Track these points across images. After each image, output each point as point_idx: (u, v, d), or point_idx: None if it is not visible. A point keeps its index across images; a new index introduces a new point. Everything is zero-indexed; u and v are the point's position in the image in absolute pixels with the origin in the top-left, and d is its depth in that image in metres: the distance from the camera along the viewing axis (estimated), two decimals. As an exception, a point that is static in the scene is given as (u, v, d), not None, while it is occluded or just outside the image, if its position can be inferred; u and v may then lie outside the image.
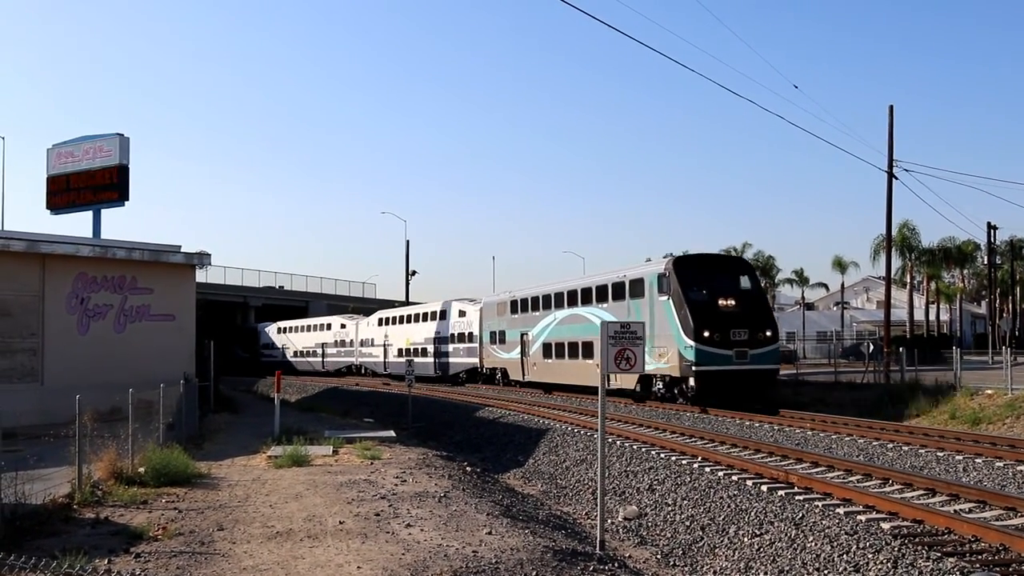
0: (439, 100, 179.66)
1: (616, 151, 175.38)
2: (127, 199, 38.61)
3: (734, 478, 16.75)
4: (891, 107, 37.15)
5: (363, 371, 69.74)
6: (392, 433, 24.74)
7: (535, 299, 44.36)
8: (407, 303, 75.36)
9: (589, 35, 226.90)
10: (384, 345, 65.53)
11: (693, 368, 29.82)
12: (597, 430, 13.09)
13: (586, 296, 38.59)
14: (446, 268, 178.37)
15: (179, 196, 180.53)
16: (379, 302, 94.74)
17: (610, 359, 12.09)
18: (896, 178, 36.92)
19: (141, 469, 15.42)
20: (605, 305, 36.34)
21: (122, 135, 38.69)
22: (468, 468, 20.32)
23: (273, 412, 23.98)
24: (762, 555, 12.60)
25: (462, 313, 55.26)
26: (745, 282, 32.42)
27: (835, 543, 11.99)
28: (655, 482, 17.69)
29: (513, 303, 47.02)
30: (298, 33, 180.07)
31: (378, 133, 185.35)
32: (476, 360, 52.94)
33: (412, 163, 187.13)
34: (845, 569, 11.23)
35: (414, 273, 78.78)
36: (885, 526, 12.46)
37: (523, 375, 45.79)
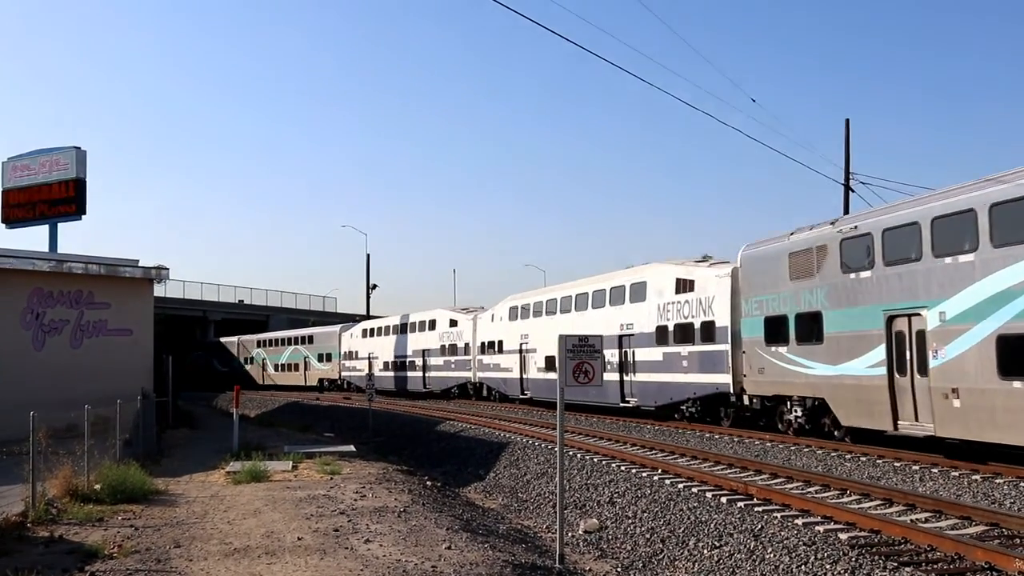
0: (398, 113, 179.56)
1: (576, 164, 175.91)
2: (84, 213, 38.41)
3: (694, 490, 16.82)
4: (847, 121, 37.68)
5: (487, 392, 48.59)
6: (352, 448, 24.64)
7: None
8: (368, 316, 74.86)
9: (548, 49, 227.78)
10: (521, 351, 42.52)
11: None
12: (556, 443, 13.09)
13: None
14: (407, 282, 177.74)
15: (137, 210, 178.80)
16: (340, 316, 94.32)
17: (568, 373, 12.12)
18: (853, 191, 37.33)
19: (97, 486, 15.25)
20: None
21: (79, 148, 38.46)
22: (429, 482, 20.26)
23: (232, 427, 23.80)
24: (722, 567, 12.65)
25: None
26: None
27: (794, 554, 12.06)
28: (615, 495, 17.72)
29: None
30: (257, 47, 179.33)
31: (339, 146, 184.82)
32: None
33: (372, 176, 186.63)
34: (803, 580, 11.29)
35: (375, 287, 78.43)
36: (843, 536, 12.56)
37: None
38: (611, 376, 32.67)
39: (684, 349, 29.41)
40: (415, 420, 37.27)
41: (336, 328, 71.88)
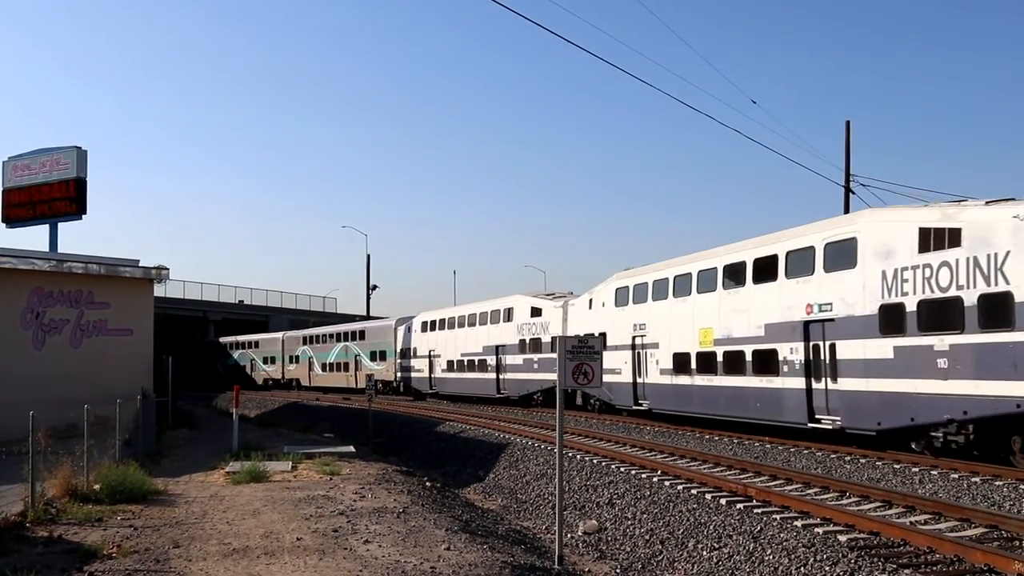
0: (398, 113, 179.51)
1: (577, 164, 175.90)
2: (84, 212, 38.38)
3: (693, 492, 16.82)
4: (848, 123, 37.57)
5: (583, 400, 38.57)
6: (352, 448, 24.63)
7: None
8: (368, 317, 74.52)
9: (545, 48, 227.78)
10: (634, 346, 32.50)
11: None
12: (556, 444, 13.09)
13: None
14: (407, 282, 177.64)
15: (138, 210, 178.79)
16: (340, 316, 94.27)
17: (567, 374, 12.11)
18: (853, 192, 37.32)
19: (96, 486, 15.24)
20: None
21: (80, 148, 38.43)
22: (428, 483, 20.26)
23: (232, 427, 23.81)
24: (721, 568, 12.66)
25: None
26: None
27: (793, 556, 12.07)
28: (615, 496, 17.73)
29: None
30: (258, 45, 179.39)
31: (340, 146, 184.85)
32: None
33: (373, 177, 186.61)
34: (802, 582, 11.30)
35: (375, 287, 78.16)
36: (842, 538, 12.57)
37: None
38: (792, 382, 23.67)
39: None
40: (415, 421, 37.28)
41: (391, 322, 62.37)
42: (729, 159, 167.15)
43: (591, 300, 36.43)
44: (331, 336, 70.27)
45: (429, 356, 53.65)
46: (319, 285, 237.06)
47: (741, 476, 18.68)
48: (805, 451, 22.20)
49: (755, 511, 14.77)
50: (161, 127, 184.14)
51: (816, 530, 13.13)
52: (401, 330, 58.83)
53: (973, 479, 17.11)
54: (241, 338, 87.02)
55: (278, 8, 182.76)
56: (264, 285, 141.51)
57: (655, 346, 30.86)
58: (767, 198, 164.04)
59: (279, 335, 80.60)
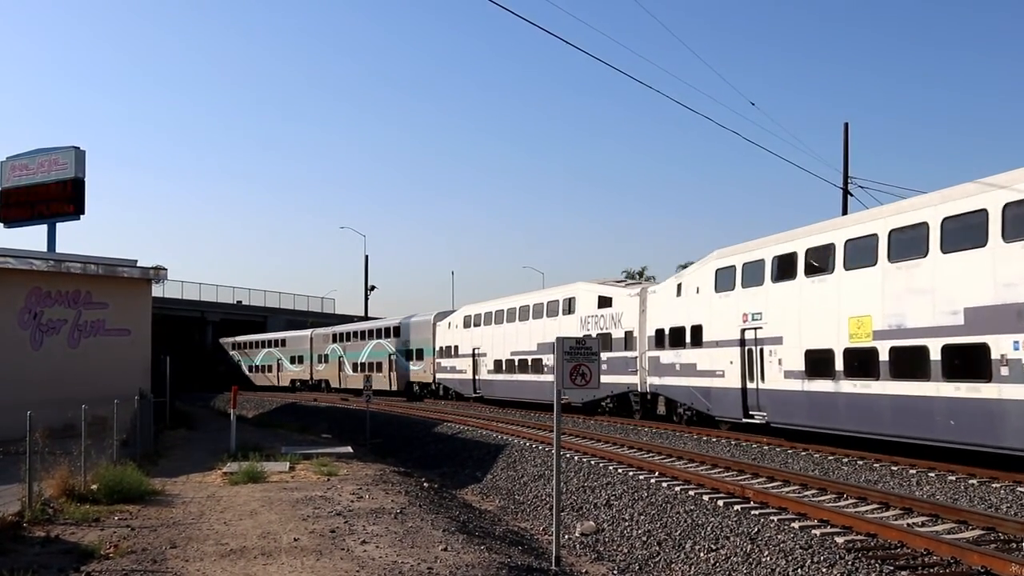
0: (397, 112, 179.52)
1: (575, 164, 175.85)
2: (83, 213, 38.36)
3: (691, 493, 16.82)
4: (846, 125, 37.58)
5: (666, 409, 32.80)
6: (349, 449, 24.64)
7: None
8: (366, 317, 74.27)
9: (544, 49, 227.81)
10: (743, 341, 26.20)
11: None
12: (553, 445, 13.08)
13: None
14: (405, 283, 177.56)
15: (136, 210, 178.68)
16: (338, 317, 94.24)
17: (565, 375, 12.09)
18: (851, 195, 37.31)
19: (94, 486, 15.25)
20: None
21: (78, 148, 38.43)
22: (425, 484, 20.25)
23: (229, 428, 23.81)
24: (718, 570, 12.66)
25: None
26: None
27: (790, 557, 12.07)
28: (612, 497, 17.72)
29: None
30: (256, 45, 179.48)
31: (338, 147, 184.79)
32: None
33: (372, 177, 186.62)
34: (799, 583, 11.31)
35: (373, 288, 77.95)
36: (839, 540, 12.57)
37: None
38: (1017, 392, 17.10)
39: None
40: (413, 422, 37.25)
41: (429, 316, 55.30)
42: (728, 160, 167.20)
43: (680, 285, 30.16)
44: (363, 333, 64.57)
45: (473, 355, 47.66)
46: (317, 286, 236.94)
47: (738, 477, 18.69)
48: (803, 453, 22.23)
49: (752, 513, 14.78)
50: (159, 127, 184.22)
51: (813, 532, 13.14)
52: (441, 325, 52.53)
53: (970, 481, 17.13)
54: (265, 336, 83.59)
55: (276, 9, 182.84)
56: (262, 286, 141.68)
57: (776, 341, 24.38)
58: (766, 199, 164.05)
59: (307, 332, 75.90)
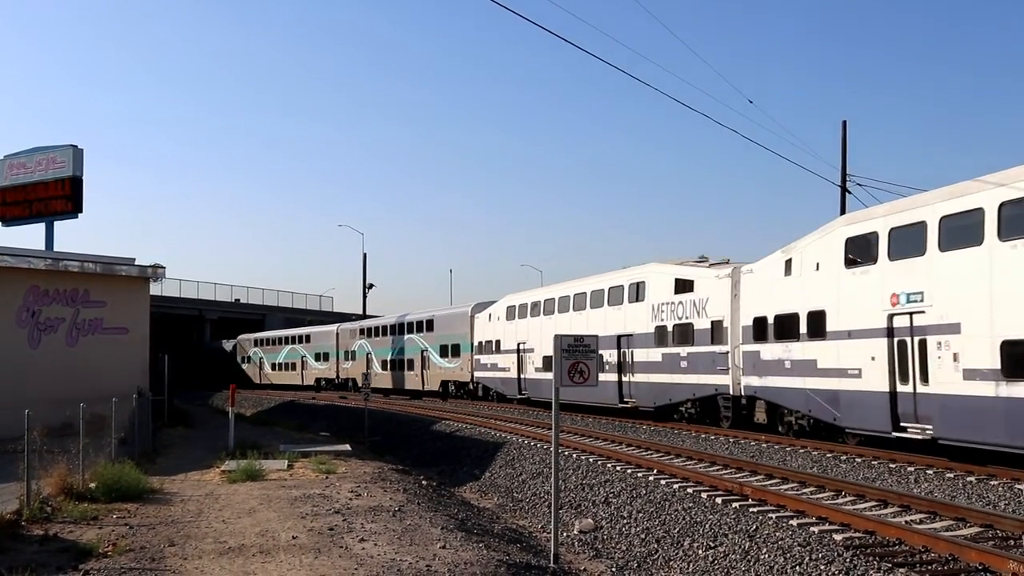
0: (397, 112, 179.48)
1: (575, 164, 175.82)
2: (80, 211, 38.40)
3: (689, 491, 16.83)
4: (844, 123, 37.57)
5: (766, 417, 27.23)
6: (348, 447, 24.63)
7: None
8: (364, 316, 74.03)
9: (541, 45, 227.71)
10: (890, 331, 20.57)
11: None
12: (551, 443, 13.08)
13: None
14: (403, 281, 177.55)
15: (134, 208, 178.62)
16: (337, 315, 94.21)
17: (564, 373, 12.09)
18: (850, 192, 37.32)
19: (92, 484, 15.24)
20: None
21: (76, 147, 38.48)
22: (424, 482, 20.27)
23: (228, 426, 23.81)
24: (716, 567, 12.67)
25: None
26: None
27: (788, 555, 12.08)
28: (611, 495, 17.73)
29: None
30: (253, 43, 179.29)
31: (336, 145, 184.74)
32: None
33: (370, 176, 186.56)
34: (797, 580, 11.31)
35: (371, 286, 77.73)
36: (838, 537, 12.59)
37: None
38: None
39: None
40: (411, 419, 37.24)
41: (466, 308, 50.33)
42: (727, 157, 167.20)
43: (790, 262, 24.25)
44: (393, 328, 59.05)
45: (518, 351, 41.94)
46: (315, 284, 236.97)
47: (737, 475, 18.70)
48: (801, 450, 22.23)
49: (751, 510, 14.80)
50: (156, 125, 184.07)
51: (812, 529, 13.15)
52: (480, 318, 47.09)
53: (968, 478, 17.14)
54: (288, 332, 78.90)
55: (273, 4, 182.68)
56: (260, 284, 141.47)
57: (948, 329, 18.66)
58: (765, 194, 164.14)
59: (333, 327, 70.57)
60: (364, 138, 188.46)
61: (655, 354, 31.15)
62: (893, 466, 19.12)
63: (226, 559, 10.75)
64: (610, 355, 33.55)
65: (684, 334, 29.48)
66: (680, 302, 29.99)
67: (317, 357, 71.41)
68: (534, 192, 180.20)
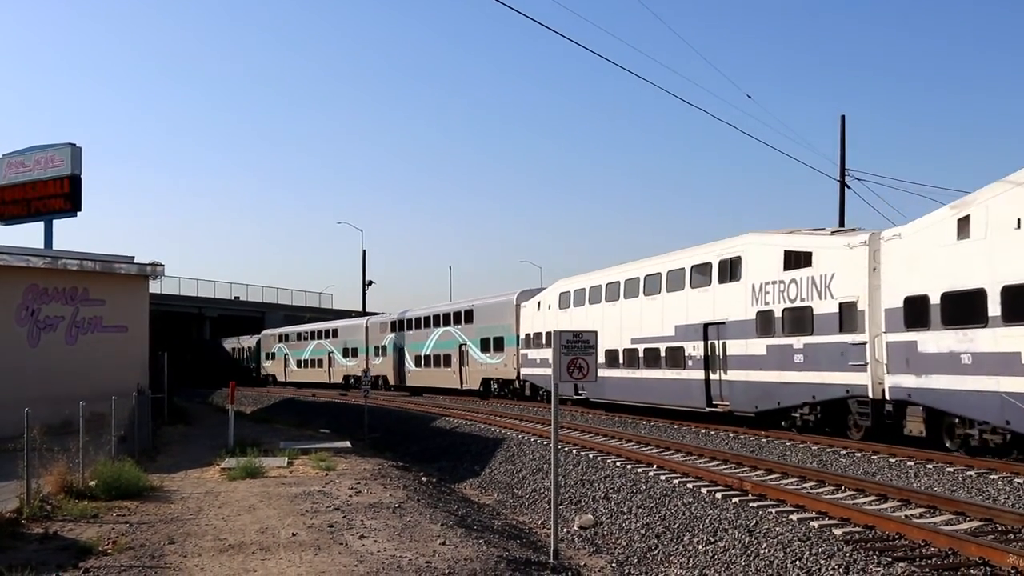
0: (395, 111, 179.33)
1: (570, 161, 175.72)
2: (79, 209, 38.36)
3: (689, 486, 16.84)
4: (843, 117, 37.57)
5: (952, 432, 19.57)
6: (348, 444, 24.62)
7: None
8: (364, 313, 73.71)
9: (539, 40, 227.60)
10: None
11: None
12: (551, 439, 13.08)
13: None
14: (402, 279, 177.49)
15: (132, 206, 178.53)
16: (336, 312, 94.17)
17: (562, 369, 12.09)
18: (848, 187, 37.33)
19: (92, 483, 15.24)
20: None
21: (74, 145, 38.40)
22: (424, 478, 20.27)
23: (228, 423, 23.82)
24: (716, 562, 12.67)
25: None
26: None
27: (788, 549, 12.09)
28: (611, 491, 17.74)
29: None
30: (252, 42, 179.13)
31: (335, 143, 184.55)
32: None
33: (369, 172, 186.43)
34: (798, 575, 11.32)
35: (370, 283, 77.46)
36: (837, 532, 12.59)
37: None
38: None
39: None
40: (411, 416, 37.26)
41: (511, 296, 44.66)
42: (725, 152, 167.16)
43: (966, 220, 18.22)
44: (427, 320, 53.72)
45: None
46: (315, 281, 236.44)
47: (737, 470, 18.70)
48: (800, 445, 22.24)
49: (751, 505, 14.80)
50: (155, 122, 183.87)
51: (811, 524, 13.15)
52: (528, 307, 41.53)
53: (968, 473, 17.15)
54: (312, 327, 73.40)
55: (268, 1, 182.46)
56: (259, 281, 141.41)
57: None
58: (764, 189, 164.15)
59: (362, 321, 64.87)
60: (362, 132, 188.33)
61: (757, 346, 25.39)
62: (892, 460, 19.14)
63: (226, 556, 10.75)
64: (693, 348, 28.43)
65: (799, 320, 23.79)
66: (792, 280, 24.09)
67: (345, 353, 66.15)
68: (534, 186, 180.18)
